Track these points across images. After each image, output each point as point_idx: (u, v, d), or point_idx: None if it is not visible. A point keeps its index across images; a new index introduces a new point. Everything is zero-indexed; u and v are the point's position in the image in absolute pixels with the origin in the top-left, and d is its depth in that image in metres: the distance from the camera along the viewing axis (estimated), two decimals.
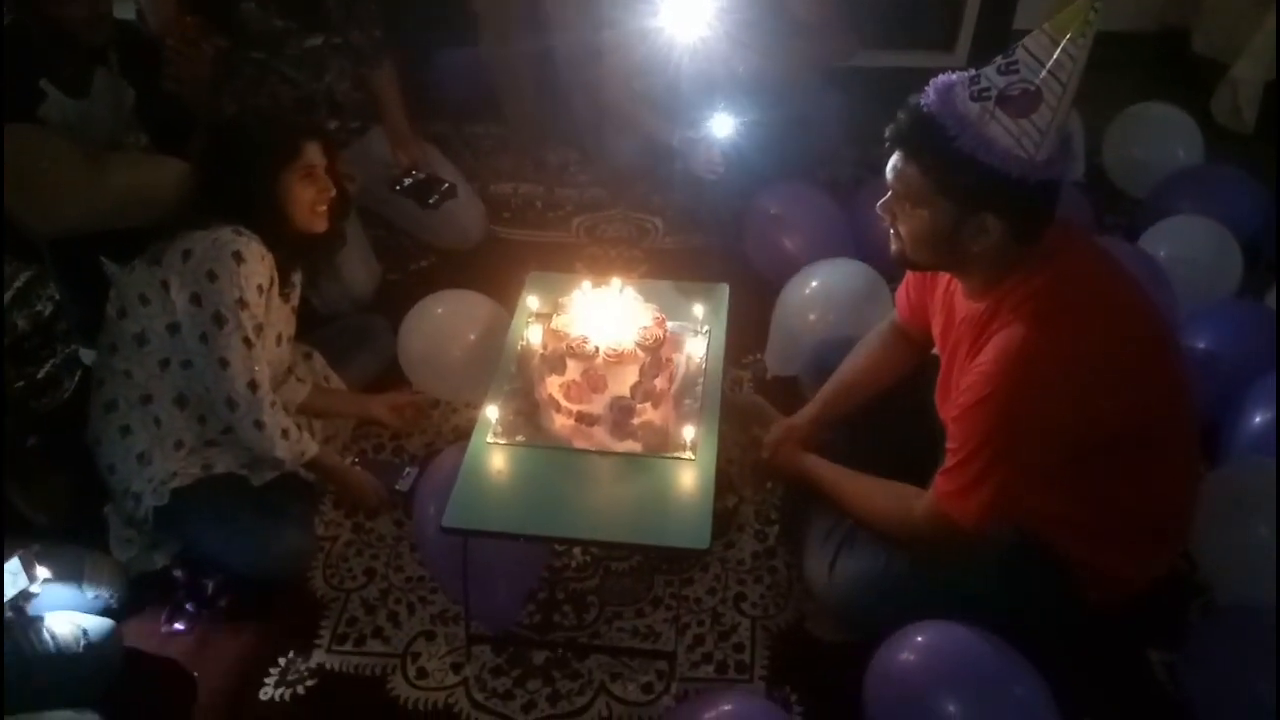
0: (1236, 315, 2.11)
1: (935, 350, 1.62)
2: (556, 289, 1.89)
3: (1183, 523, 1.55)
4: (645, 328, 1.70)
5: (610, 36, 2.49)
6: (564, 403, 1.68)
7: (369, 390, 2.12)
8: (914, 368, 1.73)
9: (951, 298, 1.53)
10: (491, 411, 1.69)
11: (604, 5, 2.47)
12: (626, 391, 1.65)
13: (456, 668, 1.68)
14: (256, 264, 1.69)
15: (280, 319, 1.84)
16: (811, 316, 2.14)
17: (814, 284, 2.19)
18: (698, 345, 1.85)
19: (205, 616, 1.74)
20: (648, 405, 1.67)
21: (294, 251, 1.84)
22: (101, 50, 1.99)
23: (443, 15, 3.09)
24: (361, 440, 2.11)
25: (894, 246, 1.44)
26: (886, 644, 1.44)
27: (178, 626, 1.72)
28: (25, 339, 2.35)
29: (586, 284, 1.81)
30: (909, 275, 1.66)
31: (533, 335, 1.83)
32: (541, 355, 1.72)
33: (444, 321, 2.13)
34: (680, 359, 1.80)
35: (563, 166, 3.05)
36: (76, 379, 2.20)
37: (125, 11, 2.22)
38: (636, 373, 1.65)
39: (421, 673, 1.67)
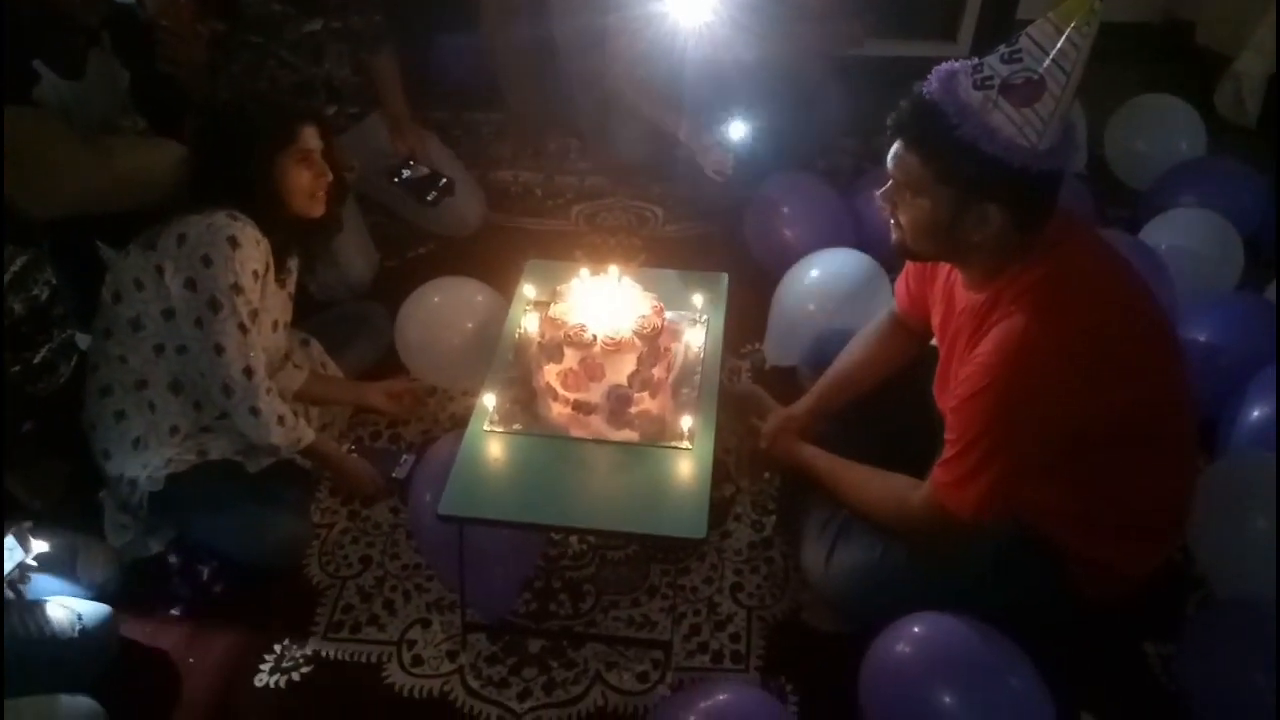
0: (1237, 308, 2.10)
1: (934, 341, 1.61)
2: (554, 277, 1.88)
3: (1180, 516, 1.55)
4: (643, 316, 1.69)
5: (614, 22, 2.47)
6: (561, 391, 1.67)
7: (366, 378, 2.11)
8: (912, 359, 1.72)
9: (951, 288, 1.52)
10: (488, 399, 1.68)
11: None
12: (624, 380, 1.64)
13: (452, 655, 1.67)
14: (252, 249, 1.68)
15: (276, 305, 1.84)
16: (810, 306, 2.14)
17: (813, 274, 2.18)
18: (696, 334, 1.85)
19: (200, 603, 1.74)
20: (645, 394, 1.67)
21: (290, 236, 1.83)
22: (95, 31, 1.97)
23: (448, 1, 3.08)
24: (358, 427, 2.10)
25: (894, 236, 1.43)
26: (882, 635, 1.44)
27: (172, 613, 1.72)
28: (21, 323, 2.34)
29: (584, 272, 1.80)
30: (909, 266, 1.66)
31: (530, 323, 1.82)
32: (539, 343, 1.72)
33: (442, 309, 2.12)
34: (678, 348, 1.79)
35: (563, 154, 3.04)
36: (73, 364, 2.20)
37: None
38: (634, 361, 1.64)
39: (417, 660, 1.67)
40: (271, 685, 1.63)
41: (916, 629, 1.41)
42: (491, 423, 1.66)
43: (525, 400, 1.71)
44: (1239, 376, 1.92)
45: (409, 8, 2.86)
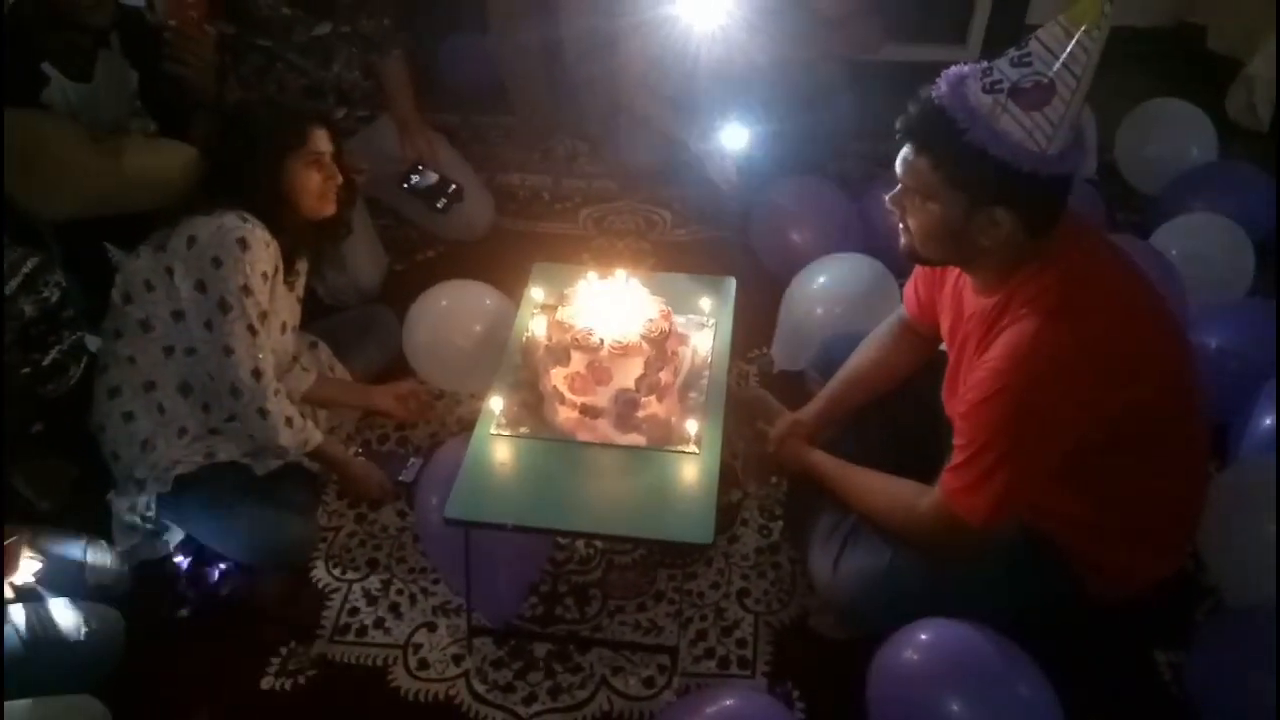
0: (1248, 314, 2.08)
1: (943, 346, 1.60)
2: (562, 280, 1.88)
3: (1191, 522, 1.54)
4: (651, 320, 1.68)
5: (624, 26, 2.47)
6: (568, 395, 1.67)
7: (374, 381, 2.11)
8: (921, 364, 1.71)
9: (960, 293, 1.51)
10: (495, 403, 1.68)
11: None
12: (631, 384, 1.64)
13: (458, 659, 1.67)
14: (261, 251, 1.69)
15: (285, 307, 1.84)
16: (819, 311, 2.13)
17: (822, 279, 2.17)
18: (704, 339, 1.84)
19: (207, 605, 1.74)
20: (652, 398, 1.66)
21: (299, 239, 1.83)
22: (104, 34, 1.98)
23: (452, 2, 3.08)
24: (366, 431, 2.10)
25: (903, 240, 1.42)
26: (890, 641, 1.43)
27: (179, 615, 1.72)
28: (32, 325, 2.33)
29: (592, 275, 1.80)
30: (917, 270, 1.65)
31: (537, 327, 1.82)
32: (546, 347, 1.71)
33: (449, 312, 2.12)
34: (686, 352, 1.79)
35: (571, 158, 3.04)
36: (82, 366, 2.20)
37: None
38: (641, 365, 1.63)
39: (423, 664, 1.67)
40: (277, 688, 1.63)
41: (924, 635, 1.40)
42: (498, 426, 1.66)
43: (532, 404, 1.71)
44: (1250, 383, 1.91)
45: (418, 11, 2.87)
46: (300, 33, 2.27)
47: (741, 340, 2.03)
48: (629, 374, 1.63)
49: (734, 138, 2.44)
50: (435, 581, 1.80)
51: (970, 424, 1.36)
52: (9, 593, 1.52)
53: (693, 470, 1.59)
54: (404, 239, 2.66)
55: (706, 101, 2.53)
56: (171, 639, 1.70)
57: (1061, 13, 1.22)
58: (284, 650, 1.69)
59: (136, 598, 1.71)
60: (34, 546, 1.58)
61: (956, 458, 1.39)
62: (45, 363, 2.22)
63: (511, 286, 2.12)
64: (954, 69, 1.28)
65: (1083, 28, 1.19)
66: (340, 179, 1.83)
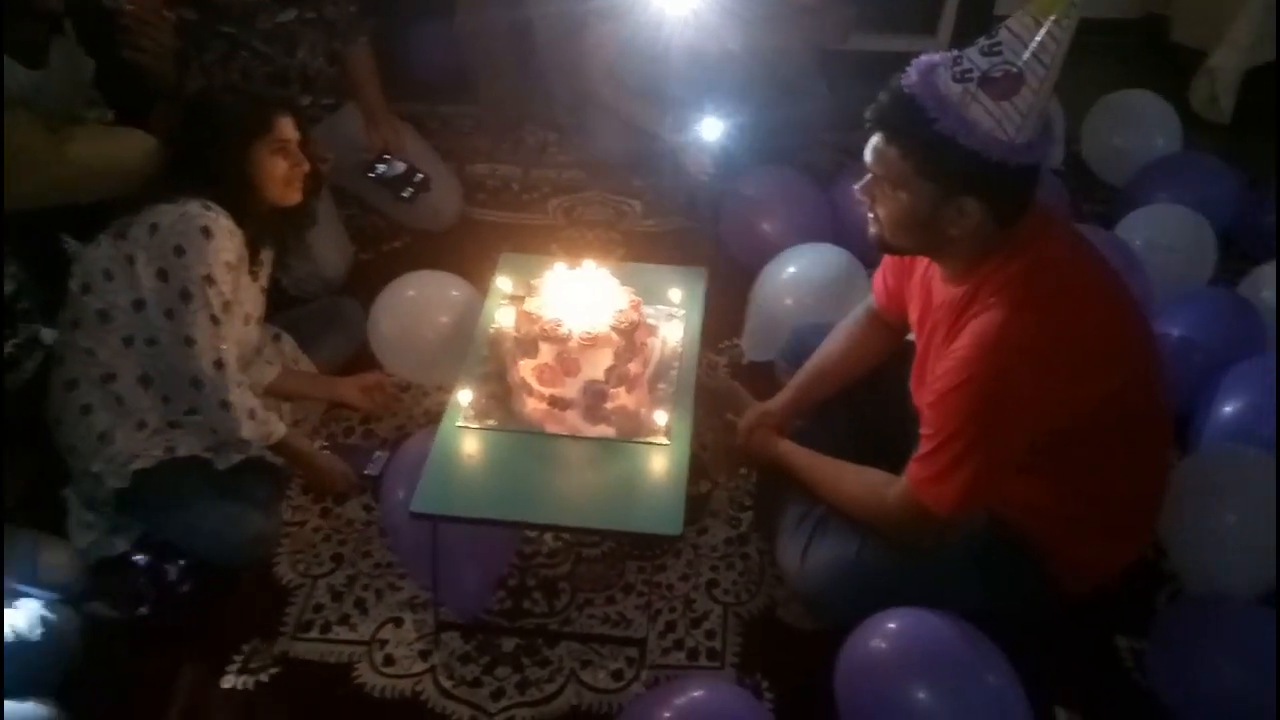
0: (1211, 303, 2.11)
1: (911, 336, 1.61)
2: (529, 271, 1.86)
3: (1154, 511, 1.55)
4: (620, 311, 1.67)
5: (593, 11, 2.44)
6: (536, 386, 1.65)
7: (340, 373, 2.08)
8: (890, 353, 1.72)
9: (929, 282, 1.51)
10: (463, 395, 1.66)
11: None
12: (600, 375, 1.62)
13: (424, 655, 1.65)
14: (225, 240, 1.66)
15: (248, 298, 1.81)
16: (788, 301, 2.13)
17: (791, 269, 2.17)
18: (673, 329, 1.83)
19: (166, 603, 1.70)
20: (621, 389, 1.65)
21: (264, 228, 1.80)
22: (58, 19, 1.93)
23: None
24: (331, 424, 2.07)
25: (872, 229, 1.42)
26: (858, 631, 1.43)
27: (138, 613, 1.68)
28: None
29: (560, 265, 1.78)
30: (886, 260, 1.65)
31: (505, 318, 1.80)
32: (514, 338, 1.69)
33: (416, 303, 2.10)
34: (655, 343, 1.78)
35: (540, 147, 3.01)
36: (37, 359, 2.15)
37: None
38: (610, 356, 1.62)
39: (389, 660, 1.65)
40: (239, 687, 1.60)
41: (892, 625, 1.41)
42: (465, 418, 1.64)
43: (500, 395, 1.69)
44: (1213, 371, 1.93)
45: None
46: (264, 19, 2.23)
47: (711, 331, 2.02)
48: (598, 365, 1.62)
49: (710, 128, 2.42)
50: (402, 576, 1.77)
51: (938, 413, 1.37)
52: None
53: (662, 461, 1.58)
54: (370, 228, 2.63)
55: (677, 90, 2.51)
56: (129, 638, 1.66)
57: (1031, 1, 1.21)
58: (246, 648, 1.66)
59: (93, 597, 1.67)
60: None
61: (924, 447, 1.39)
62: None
63: (479, 277, 2.10)
64: (924, 58, 1.28)
65: (1052, 17, 1.19)
66: (306, 167, 1.80)
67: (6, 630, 1.45)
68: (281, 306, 2.09)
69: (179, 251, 1.62)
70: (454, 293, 2.11)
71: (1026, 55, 1.21)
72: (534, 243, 2.60)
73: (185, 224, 1.62)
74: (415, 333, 2.07)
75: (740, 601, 1.74)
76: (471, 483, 1.59)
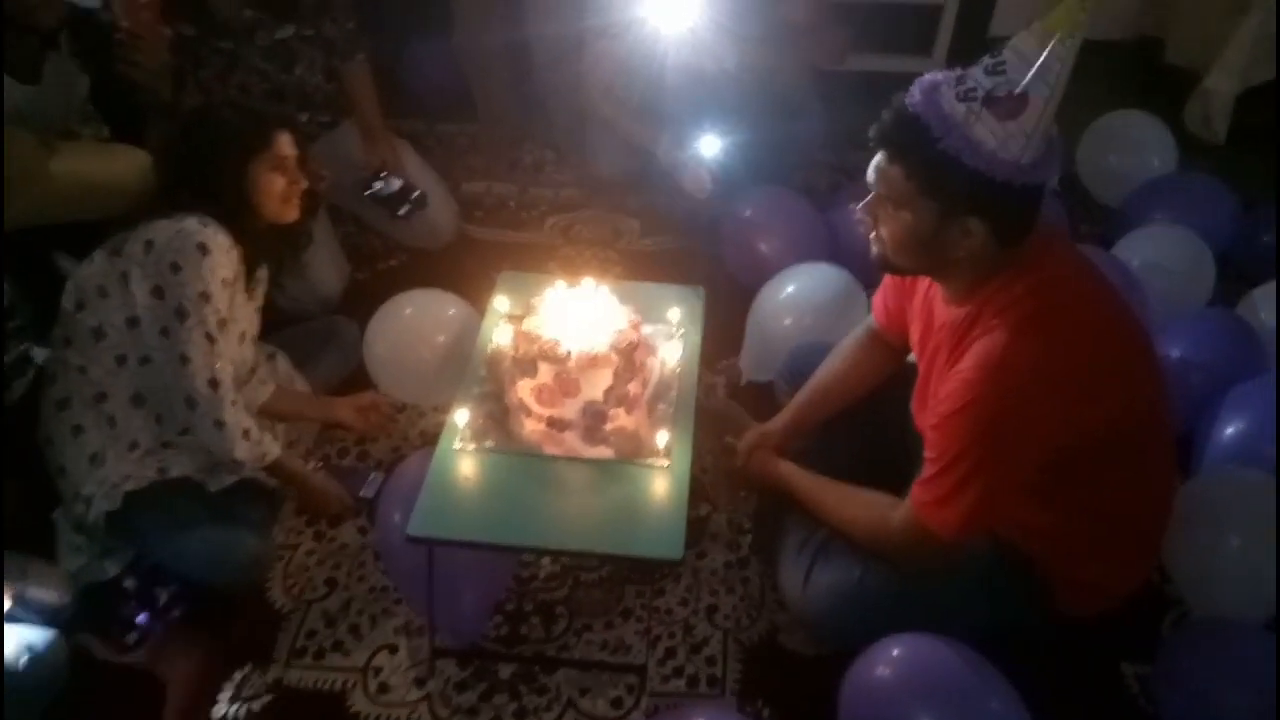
0: (1210, 325, 2.10)
1: (912, 356, 1.59)
2: (528, 289, 1.84)
3: (1159, 534, 1.54)
4: (620, 331, 1.65)
5: (591, 29, 2.44)
6: (535, 407, 1.63)
7: (335, 393, 2.06)
8: (890, 374, 1.70)
9: (931, 303, 1.50)
10: (460, 416, 1.64)
11: None
12: (599, 396, 1.60)
13: (420, 682, 1.62)
14: (222, 256, 1.64)
15: (244, 316, 1.79)
16: (787, 321, 2.11)
17: (790, 289, 2.16)
18: (673, 349, 1.81)
19: (158, 628, 1.67)
20: (621, 410, 1.63)
21: (261, 245, 1.78)
22: (53, 34, 1.92)
23: (417, 6, 3.03)
24: (325, 445, 2.05)
25: (875, 249, 1.41)
26: (862, 657, 1.41)
27: (128, 639, 1.65)
28: None
29: (560, 283, 1.77)
30: (887, 280, 1.64)
31: (503, 337, 1.78)
32: (512, 358, 1.68)
33: (412, 322, 2.08)
34: (654, 363, 1.76)
35: (537, 166, 3.01)
36: (29, 378, 2.12)
37: None
38: (610, 377, 1.60)
39: (383, 688, 1.62)
40: (231, 715, 1.57)
41: (896, 651, 1.39)
42: (462, 440, 1.62)
43: (498, 416, 1.67)
44: (1212, 393, 1.93)
45: (382, 14, 2.81)
46: (262, 36, 2.22)
47: (710, 351, 2.01)
48: (597, 385, 1.60)
49: (709, 146, 2.42)
50: (397, 602, 1.74)
51: (941, 436, 1.35)
52: None
53: (662, 484, 1.56)
54: (366, 247, 2.61)
55: (675, 108, 2.51)
56: (119, 665, 1.63)
57: (1035, 20, 1.21)
58: (238, 675, 1.63)
59: (82, 621, 1.64)
60: None
61: (927, 470, 1.37)
62: None
63: (476, 296, 2.08)
64: (927, 76, 1.27)
65: (1056, 37, 1.18)
66: (304, 184, 1.78)
67: None
68: (277, 325, 2.07)
69: (175, 268, 1.60)
70: (451, 311, 2.10)
71: (1031, 75, 1.20)
72: (531, 261, 2.59)
73: (182, 240, 1.61)
74: (411, 352, 2.05)
75: (741, 627, 1.72)
76: (469, 506, 1.57)
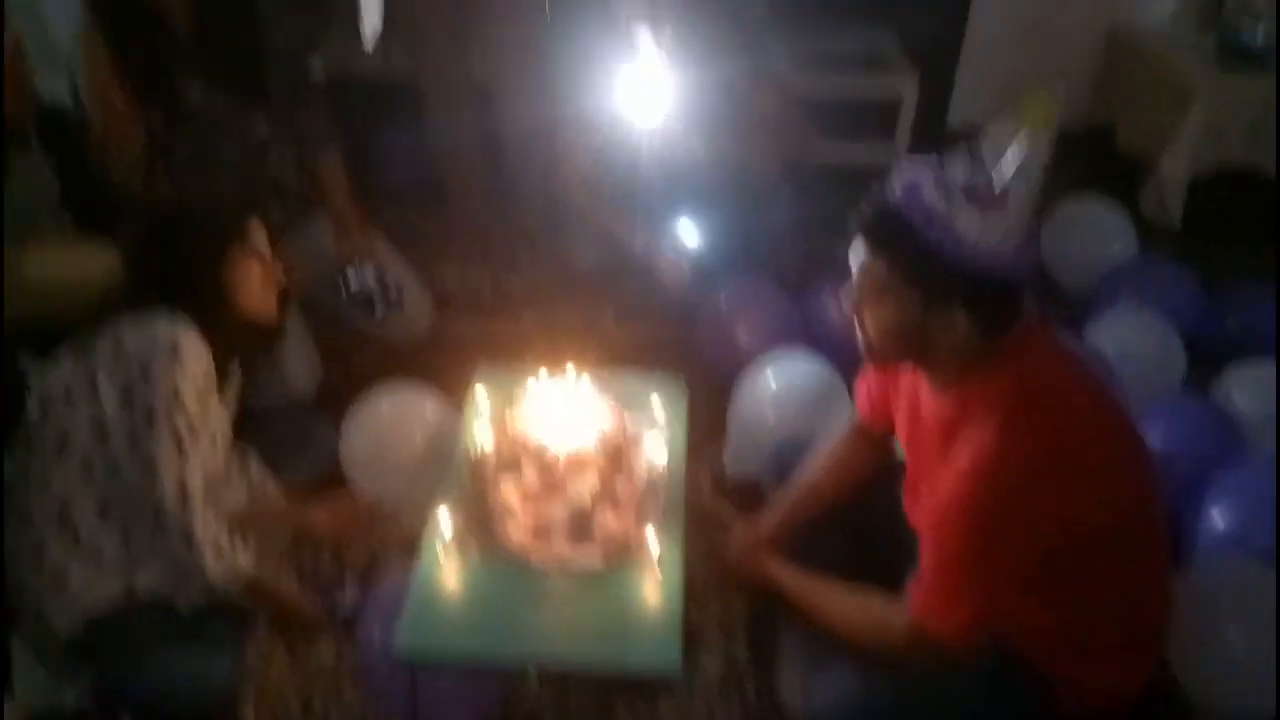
0: (1188, 410, 2.13)
1: (899, 446, 1.58)
2: (509, 384, 1.81)
3: (1160, 628, 1.51)
4: (605, 426, 1.62)
5: (565, 120, 2.47)
6: (519, 510, 1.58)
7: (310, 495, 1.99)
8: (878, 466, 1.69)
9: (917, 393, 1.49)
10: (442, 521, 1.58)
11: (556, 84, 2.46)
12: (586, 496, 1.57)
13: None
14: (194, 358, 1.58)
15: (215, 417, 1.72)
16: (769, 415, 2.09)
17: (770, 380, 2.15)
18: (657, 442, 1.78)
19: None
20: (609, 511, 1.59)
21: (234, 342, 1.73)
22: (23, 133, 1.88)
23: (389, 96, 3.05)
24: (298, 551, 1.95)
25: (860, 338, 1.40)
26: None
27: None
28: None
29: (543, 372, 1.73)
30: (869, 372, 1.63)
31: (484, 436, 1.74)
32: (496, 458, 1.63)
33: (389, 420, 2.03)
34: (639, 460, 1.73)
35: (511, 254, 3.00)
36: None
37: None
38: (597, 476, 1.57)
39: None
40: None
41: None
42: (445, 548, 1.55)
43: (481, 519, 1.62)
44: (1195, 480, 1.93)
45: (353, 102, 2.82)
46: (235, 129, 2.20)
47: (691, 441, 1.99)
48: (584, 485, 1.57)
49: (682, 234, 2.44)
50: None
51: (938, 535, 1.33)
52: None
53: (654, 591, 1.51)
54: (339, 340, 2.56)
55: (647, 198, 2.54)
56: None
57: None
58: None
59: None
60: None
61: (926, 571, 1.35)
62: None
63: (453, 388, 2.04)
64: (905, 168, 1.28)
65: (1032, 130, 1.21)
66: (281, 276, 1.74)
67: None
68: (249, 424, 2.00)
69: (145, 371, 1.54)
70: (428, 407, 2.05)
71: (1009, 166, 1.22)
72: (507, 350, 2.55)
73: (152, 341, 1.55)
74: (388, 451, 1.99)
75: None
76: (456, 623, 1.50)
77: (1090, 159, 3.50)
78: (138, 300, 1.63)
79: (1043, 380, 1.32)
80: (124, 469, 1.57)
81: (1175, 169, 3.14)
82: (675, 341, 2.58)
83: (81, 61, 2.03)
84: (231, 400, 1.80)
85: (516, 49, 2.64)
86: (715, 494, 2.12)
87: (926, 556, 1.35)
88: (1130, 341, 2.32)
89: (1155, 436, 2.01)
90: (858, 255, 1.33)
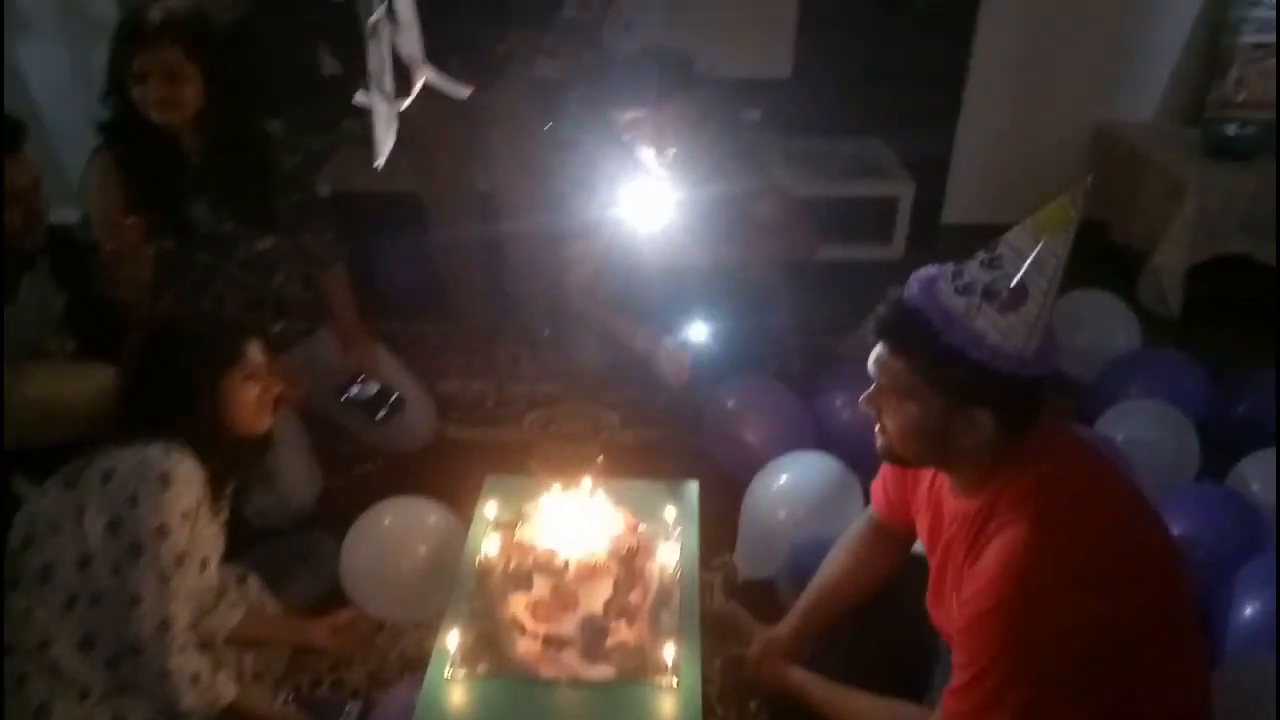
0: (1206, 499, 2.09)
1: (919, 547, 1.53)
2: (517, 494, 1.77)
3: None
4: (618, 536, 1.58)
5: (568, 229, 2.51)
6: (530, 624, 1.52)
7: (310, 614, 1.92)
8: (897, 566, 1.64)
9: (939, 494, 1.46)
10: (450, 638, 1.52)
11: (557, 195, 2.51)
12: (599, 608, 1.51)
13: None
14: (183, 488, 1.54)
15: (207, 539, 1.66)
16: (782, 515, 2.05)
17: (782, 481, 2.11)
18: (670, 551, 1.73)
19: None
20: (622, 622, 1.53)
21: (230, 462, 1.69)
22: (31, 256, 1.90)
23: (392, 207, 3.11)
24: (297, 673, 1.88)
25: (880, 440, 1.38)
26: None
27: None
28: None
29: (555, 486, 1.70)
30: (885, 470, 1.60)
31: (491, 548, 1.69)
32: (504, 571, 1.58)
33: (392, 533, 1.97)
34: (653, 568, 1.67)
35: (513, 361, 3.00)
36: None
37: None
38: (610, 587, 1.52)
39: None
40: None
41: None
42: (453, 666, 1.49)
43: (490, 635, 1.56)
44: (1219, 572, 1.87)
45: (355, 214, 2.86)
46: (242, 248, 2.23)
47: (702, 546, 1.93)
48: (597, 597, 1.51)
49: (687, 336, 2.45)
50: None
51: (971, 640, 1.28)
52: None
53: (671, 705, 1.44)
54: (339, 452, 2.53)
55: (649, 303, 2.55)
56: None
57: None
58: None
59: None
60: None
61: (959, 678, 1.28)
62: None
63: (457, 500, 2.00)
64: (923, 271, 1.29)
65: (1050, 232, 1.21)
66: (277, 389, 1.73)
67: None
68: (247, 541, 1.96)
69: (133, 501, 1.49)
70: (432, 519, 2.00)
71: (1027, 268, 1.22)
72: (511, 459, 2.51)
73: (143, 471, 1.51)
74: (391, 565, 1.93)
75: None
76: None
77: (1085, 253, 3.53)
78: (132, 424, 1.60)
79: (1069, 477, 1.30)
80: (105, 600, 1.51)
81: (1172, 260, 3.18)
82: (683, 445, 2.55)
83: (92, 183, 2.07)
84: (224, 517, 1.75)
85: (518, 161, 2.70)
86: (728, 597, 2.05)
87: (958, 659, 1.29)
88: (1144, 431, 2.31)
89: (1176, 525, 1.97)
90: (877, 358, 1.32)
